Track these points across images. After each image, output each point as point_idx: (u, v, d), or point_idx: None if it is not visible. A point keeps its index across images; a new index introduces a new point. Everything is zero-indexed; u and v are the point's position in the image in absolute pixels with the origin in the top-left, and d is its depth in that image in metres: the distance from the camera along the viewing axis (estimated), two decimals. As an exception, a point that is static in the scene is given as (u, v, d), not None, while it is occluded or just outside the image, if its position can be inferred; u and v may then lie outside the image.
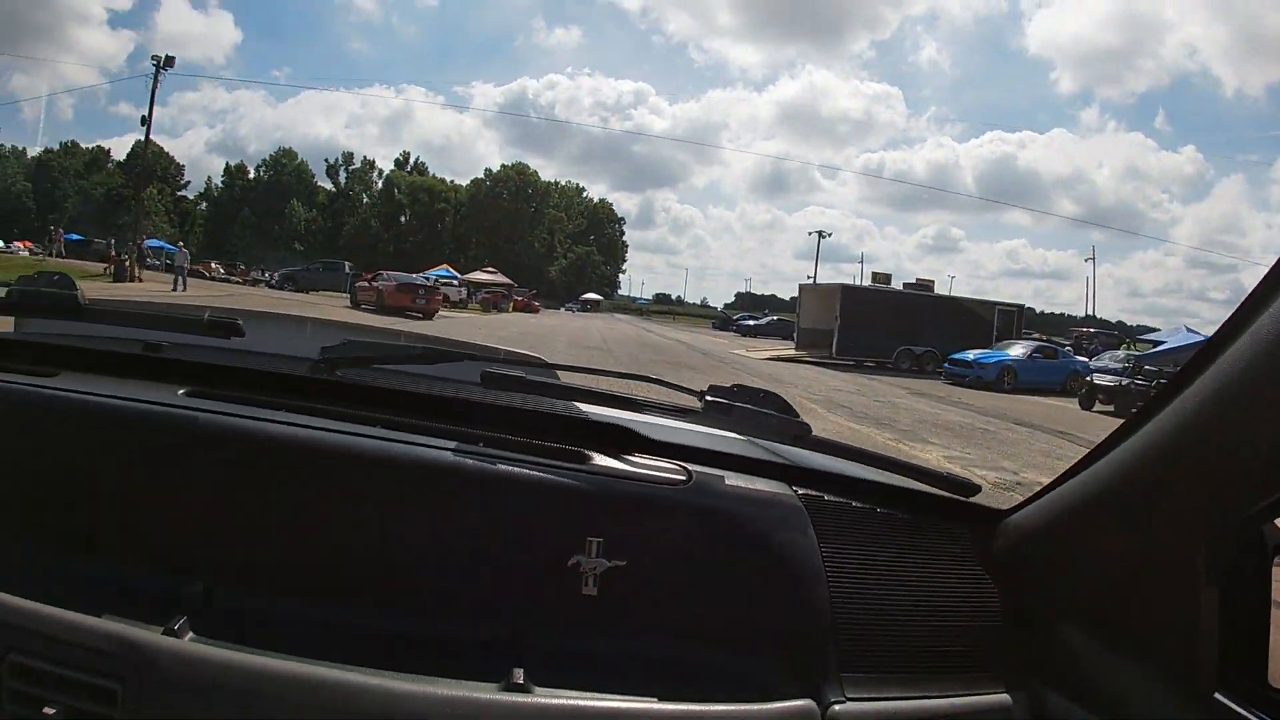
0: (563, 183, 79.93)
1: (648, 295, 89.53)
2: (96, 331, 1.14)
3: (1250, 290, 0.63)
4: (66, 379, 0.94)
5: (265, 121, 78.48)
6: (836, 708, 0.77)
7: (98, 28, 70.94)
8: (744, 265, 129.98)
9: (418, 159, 74.68)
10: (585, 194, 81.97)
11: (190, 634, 0.75)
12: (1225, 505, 0.66)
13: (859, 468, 1.02)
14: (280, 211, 65.28)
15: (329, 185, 69.77)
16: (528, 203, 75.11)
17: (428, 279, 29.79)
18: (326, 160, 70.26)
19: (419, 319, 20.48)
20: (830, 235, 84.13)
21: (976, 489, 0.99)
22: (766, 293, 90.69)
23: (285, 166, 67.44)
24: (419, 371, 1.09)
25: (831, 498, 0.90)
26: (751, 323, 44.62)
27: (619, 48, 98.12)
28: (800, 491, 0.89)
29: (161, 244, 43.17)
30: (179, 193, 65.26)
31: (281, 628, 0.78)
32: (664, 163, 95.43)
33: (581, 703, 0.73)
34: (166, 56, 26.53)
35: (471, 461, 0.85)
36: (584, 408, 1.03)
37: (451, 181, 73.87)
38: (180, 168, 65.83)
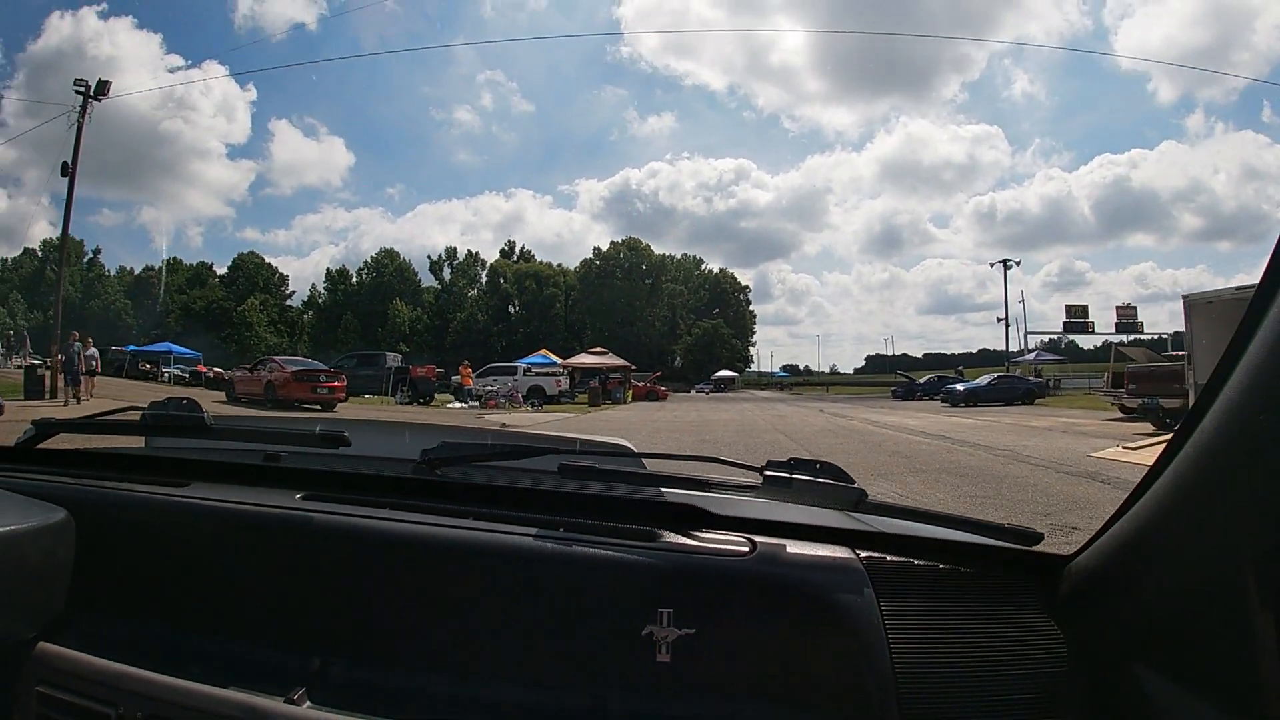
0: (678, 256, 71.72)
1: (774, 368, 78.67)
2: (221, 446, 1.33)
3: (1257, 286, 0.60)
4: (196, 488, 1.09)
5: (384, 236, 77.50)
6: None
7: (217, 160, 72.28)
8: (867, 328, 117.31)
9: (523, 247, 69.26)
10: (704, 266, 73.19)
11: (308, 703, 0.86)
12: (1268, 521, 0.63)
13: (921, 526, 1.07)
14: (383, 313, 60.77)
15: (436, 283, 65.21)
16: (642, 279, 67.16)
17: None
18: (429, 257, 66.49)
19: (318, 411, 17.51)
20: (953, 284, 75.52)
21: (1039, 538, 0.99)
22: (895, 352, 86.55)
23: (386, 267, 63.69)
24: (507, 466, 1.19)
25: (893, 558, 0.92)
26: (962, 387, 30.99)
27: (713, 128, 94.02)
28: (862, 554, 0.91)
29: (171, 347, 36.95)
30: (285, 302, 62.63)
31: (388, 697, 0.89)
32: (773, 234, 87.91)
33: None
34: (100, 82, 19.90)
35: (551, 545, 0.94)
36: (654, 490, 1.12)
37: (559, 266, 67.41)
38: (284, 278, 63.91)
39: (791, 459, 1.05)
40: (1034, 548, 0.98)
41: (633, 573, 0.91)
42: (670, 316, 67.64)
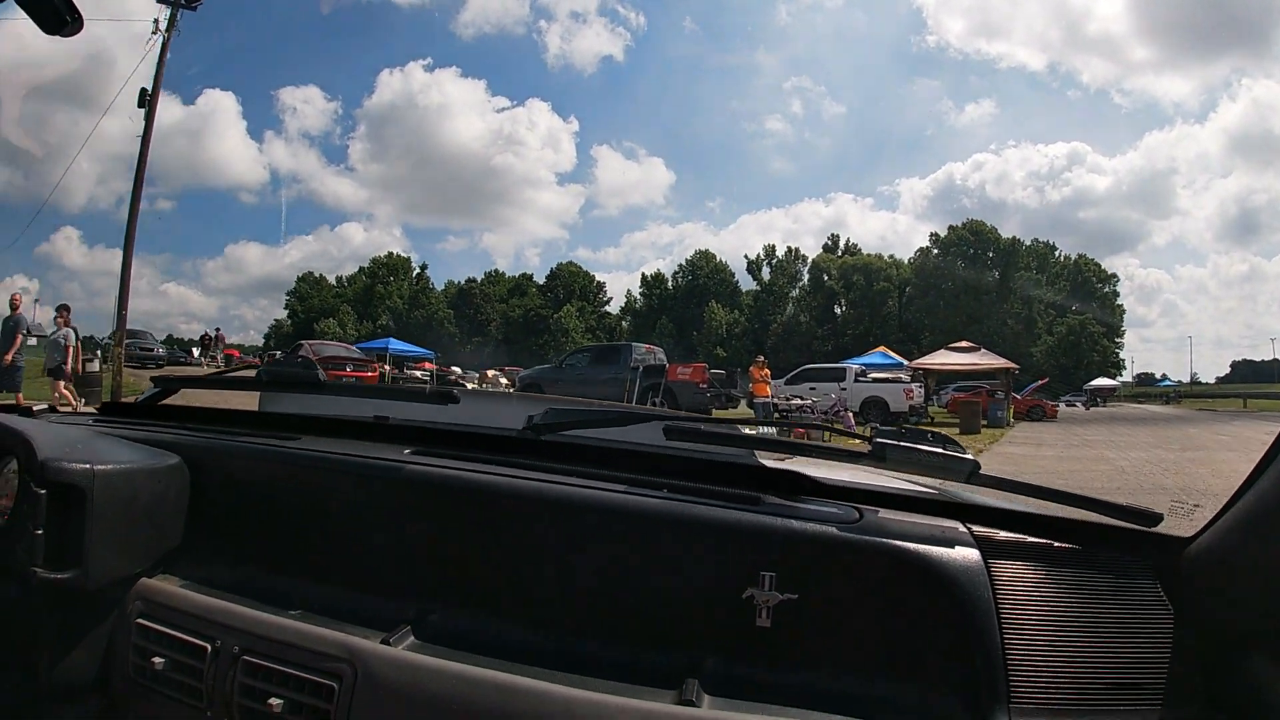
0: (1027, 242, 59.34)
1: (1128, 375, 62.64)
2: (325, 405, 1.40)
3: None
4: (307, 442, 1.15)
5: (709, 248, 76.42)
6: None
7: (548, 187, 76.22)
8: (1226, 329, 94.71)
9: (849, 240, 61.03)
10: (1059, 252, 60.02)
11: (405, 644, 0.87)
12: None
13: (1034, 503, 1.04)
14: (699, 316, 55.58)
15: (755, 285, 59.17)
16: (989, 268, 55.88)
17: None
18: (746, 257, 60.59)
19: None
20: None
21: (1158, 518, 0.93)
22: (1267, 358, 66.82)
23: (702, 269, 58.77)
24: (611, 436, 1.18)
25: (1005, 534, 0.90)
26: None
27: (1037, 111, 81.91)
28: (973, 528, 0.90)
29: (390, 343, 28.65)
30: (602, 309, 59.95)
31: (486, 644, 0.89)
32: (1116, 224, 73.52)
33: (749, 715, 0.77)
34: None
35: (653, 503, 0.93)
36: (759, 455, 1.13)
37: (891, 257, 58.20)
38: (601, 285, 61.49)
39: (903, 426, 0.96)
40: (1154, 529, 0.92)
41: (735, 534, 0.88)
42: (1025, 312, 55.57)
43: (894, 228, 78.16)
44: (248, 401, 1.50)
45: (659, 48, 76.93)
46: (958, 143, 79.06)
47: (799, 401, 15.29)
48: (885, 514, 0.93)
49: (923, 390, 20.70)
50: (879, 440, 1.01)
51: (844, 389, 18.48)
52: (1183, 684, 0.81)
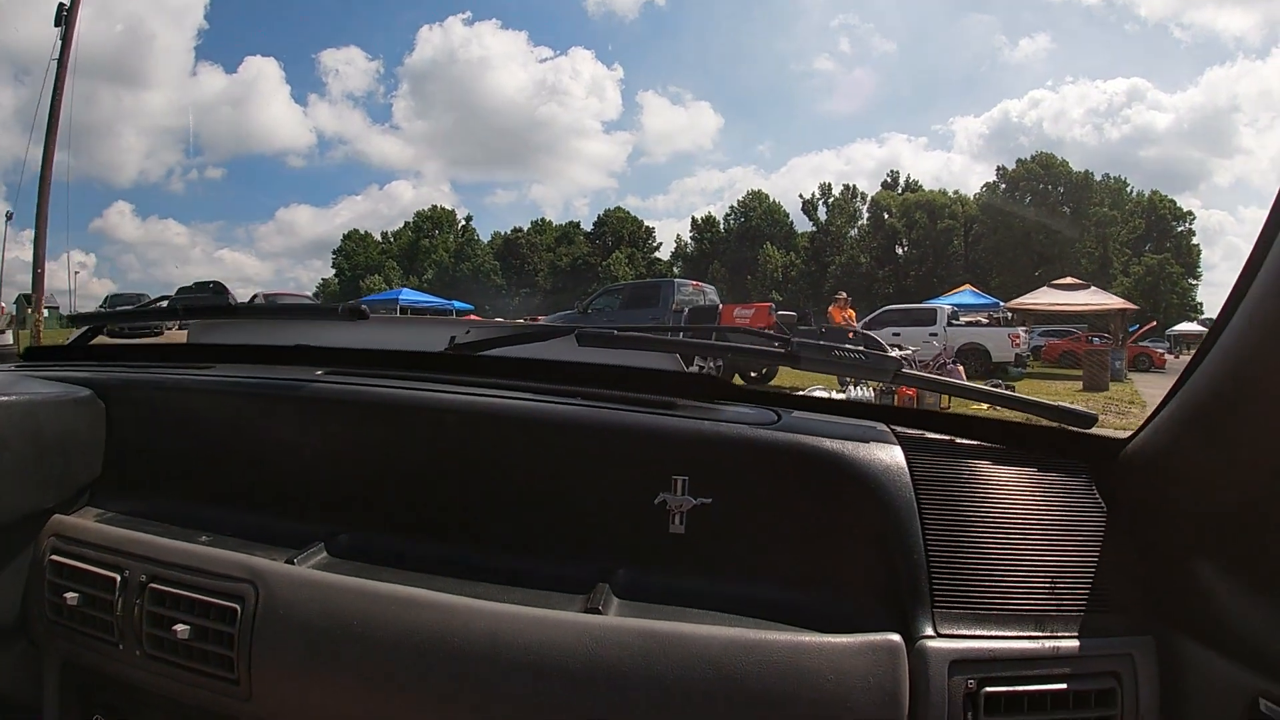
0: (1097, 176, 56.26)
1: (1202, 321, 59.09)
2: (251, 334, 1.38)
3: None
4: (221, 369, 1.15)
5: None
6: (926, 643, 0.73)
7: (595, 137, 76.18)
8: None
9: (909, 177, 58.48)
10: (1130, 187, 56.85)
11: (309, 564, 0.86)
12: None
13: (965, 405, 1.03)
14: (753, 259, 53.70)
15: (812, 226, 56.93)
16: (1059, 204, 53.03)
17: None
18: (801, 196, 58.24)
19: None
20: None
21: (1093, 419, 0.91)
22: None
23: (755, 210, 56.73)
24: (530, 352, 1.17)
25: (932, 434, 0.88)
26: None
27: (1093, 45, 78.50)
28: (897, 429, 0.88)
29: (401, 294, 28.90)
30: (652, 255, 58.35)
31: (395, 561, 0.88)
32: (1178, 164, 69.73)
33: (651, 623, 0.74)
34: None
35: (565, 409, 0.92)
36: (679, 360, 1.12)
37: (956, 193, 55.56)
38: (650, 230, 59.60)
39: (823, 328, 1.04)
40: (1090, 430, 0.90)
41: (647, 439, 0.87)
42: (1100, 252, 52.64)
43: (949, 168, 75.46)
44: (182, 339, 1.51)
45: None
46: (1013, 79, 75.55)
47: (897, 353, 10.24)
48: (804, 415, 0.91)
49: (1026, 338, 16.81)
50: (800, 340, 0.98)
51: (935, 334, 15.13)
52: (1123, 591, 0.78)
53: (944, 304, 18.10)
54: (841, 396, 1.08)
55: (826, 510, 0.81)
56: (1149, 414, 0.78)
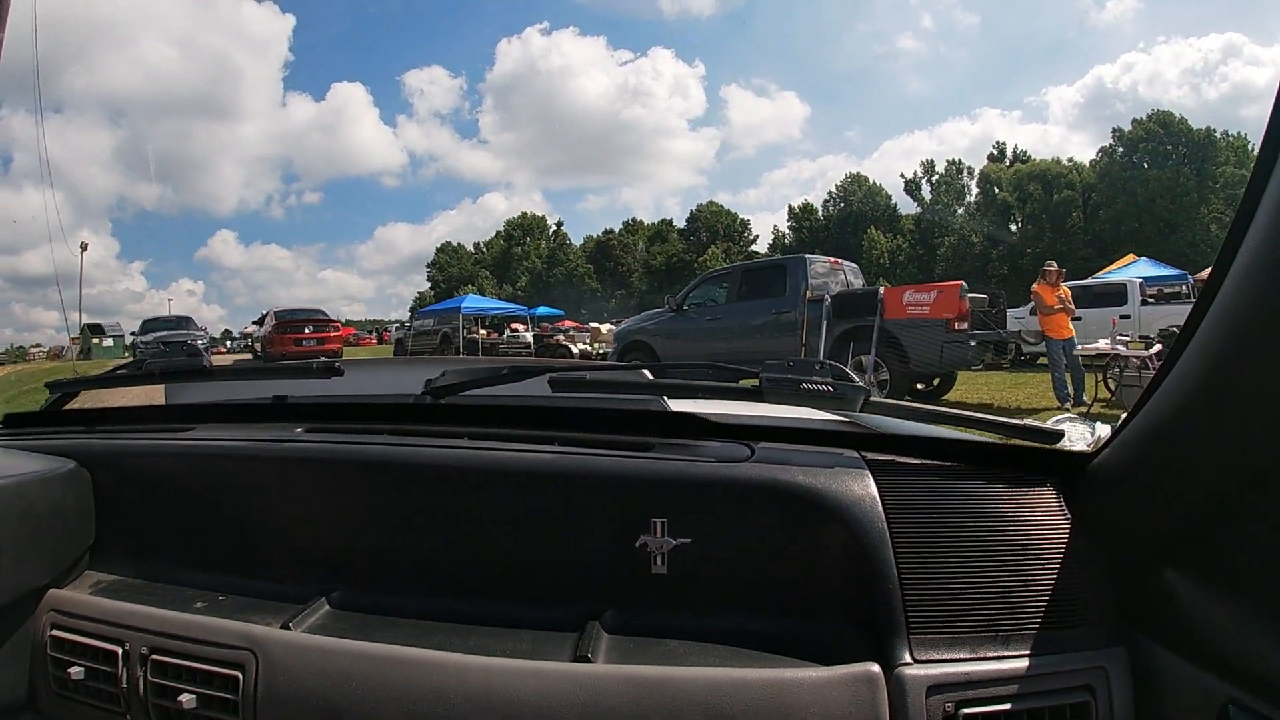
0: (1216, 133, 53.26)
1: None
2: (228, 389, 1.40)
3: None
4: (201, 430, 1.14)
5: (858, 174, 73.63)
6: (904, 670, 0.74)
7: (681, 135, 74.73)
8: None
9: (1017, 146, 56.30)
10: (1250, 144, 53.60)
11: (304, 627, 0.88)
12: None
13: (932, 428, 1.02)
14: (856, 245, 52.51)
15: (916, 207, 55.47)
16: (1181, 165, 50.36)
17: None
18: (903, 176, 56.66)
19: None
20: None
21: (1059, 435, 0.93)
22: None
23: (854, 193, 55.41)
24: (506, 392, 1.19)
25: (902, 459, 0.89)
26: None
27: (1183, 1, 72.46)
28: (867, 455, 0.89)
29: (463, 301, 24.60)
30: (749, 248, 57.67)
31: (388, 615, 0.90)
32: None
33: (639, 670, 0.76)
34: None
35: (543, 459, 0.93)
36: (651, 400, 1.13)
37: (1071, 161, 53.24)
38: (745, 223, 58.84)
39: (790, 359, 1.01)
40: (1055, 445, 0.92)
41: (623, 483, 0.88)
42: (1229, 215, 49.82)
43: (1045, 140, 71.58)
44: (156, 395, 1.50)
45: (775, -27, 72.84)
46: (1103, 43, 71.04)
47: (1111, 346, 8.18)
48: (776, 447, 0.92)
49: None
50: (769, 375, 0.98)
51: (1126, 316, 11.80)
52: (1094, 603, 0.79)
53: (1133, 277, 14.32)
54: (844, 418, 1.11)
55: (801, 542, 0.83)
56: (1115, 428, 0.79)
